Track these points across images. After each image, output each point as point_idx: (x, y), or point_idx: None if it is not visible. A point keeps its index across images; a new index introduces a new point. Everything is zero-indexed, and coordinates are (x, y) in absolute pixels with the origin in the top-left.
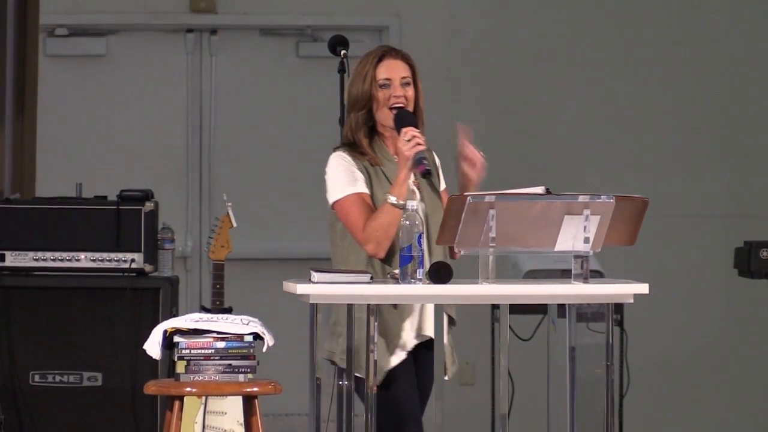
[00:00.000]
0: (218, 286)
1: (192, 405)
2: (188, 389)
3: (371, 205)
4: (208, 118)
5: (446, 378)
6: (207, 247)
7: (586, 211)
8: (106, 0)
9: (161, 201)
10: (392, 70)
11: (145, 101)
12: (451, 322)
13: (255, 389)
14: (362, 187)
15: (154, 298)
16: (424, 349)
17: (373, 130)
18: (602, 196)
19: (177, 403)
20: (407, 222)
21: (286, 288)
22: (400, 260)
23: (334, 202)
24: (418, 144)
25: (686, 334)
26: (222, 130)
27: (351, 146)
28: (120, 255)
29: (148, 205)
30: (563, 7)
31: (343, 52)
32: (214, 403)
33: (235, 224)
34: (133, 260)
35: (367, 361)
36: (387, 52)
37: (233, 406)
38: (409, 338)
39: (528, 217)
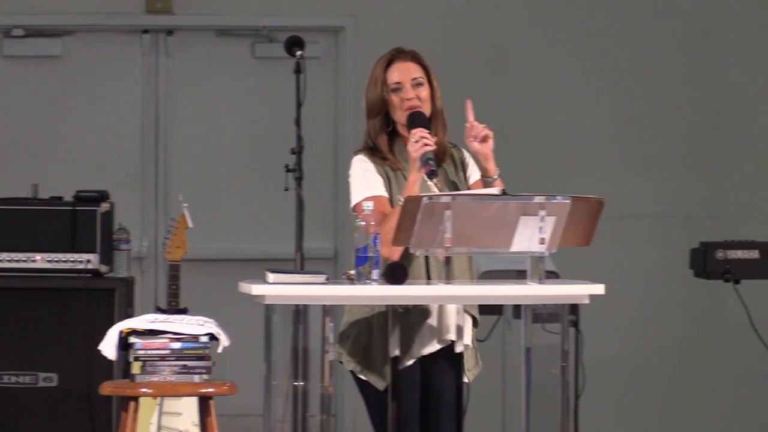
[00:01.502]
0: (174, 287)
1: (147, 406)
2: (143, 390)
3: (388, 208)
4: (164, 118)
5: (465, 381)
6: (163, 247)
7: (542, 212)
8: (62, 1)
9: (117, 202)
10: (402, 72)
11: (101, 102)
12: (475, 323)
13: (210, 390)
14: (380, 191)
15: (109, 299)
16: (444, 353)
17: (393, 133)
18: (558, 197)
19: (132, 404)
20: (363, 223)
21: (241, 289)
22: (356, 261)
23: (354, 206)
24: (426, 145)
25: (642, 334)
26: (178, 131)
27: (372, 150)
28: (75, 256)
29: (104, 206)
30: (519, 8)
31: (299, 53)
32: (170, 403)
33: (191, 225)
34: (88, 261)
35: (322, 362)
36: (396, 55)
37: (189, 406)
38: (426, 343)
39: (483, 218)
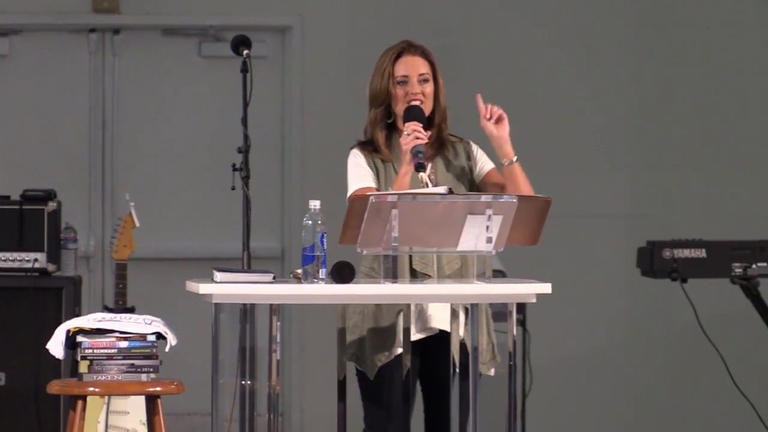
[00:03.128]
0: (121, 286)
1: (95, 404)
2: (91, 389)
3: None
4: (110, 117)
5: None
6: (110, 246)
7: (489, 211)
8: (9, 0)
9: (64, 201)
10: (410, 66)
11: (48, 101)
12: (466, 313)
13: (158, 389)
14: (369, 182)
15: (56, 298)
16: (442, 342)
17: (393, 126)
18: (504, 196)
19: (80, 403)
20: (310, 221)
21: (188, 287)
22: (303, 259)
23: (348, 198)
24: (417, 138)
25: (589, 333)
26: (125, 130)
27: (365, 143)
28: (23, 255)
29: (51, 205)
30: (469, 8)
31: (245, 52)
32: (117, 402)
33: (137, 224)
34: (35, 260)
35: (269, 361)
36: (405, 49)
37: (136, 405)
38: (413, 331)
39: (430, 217)
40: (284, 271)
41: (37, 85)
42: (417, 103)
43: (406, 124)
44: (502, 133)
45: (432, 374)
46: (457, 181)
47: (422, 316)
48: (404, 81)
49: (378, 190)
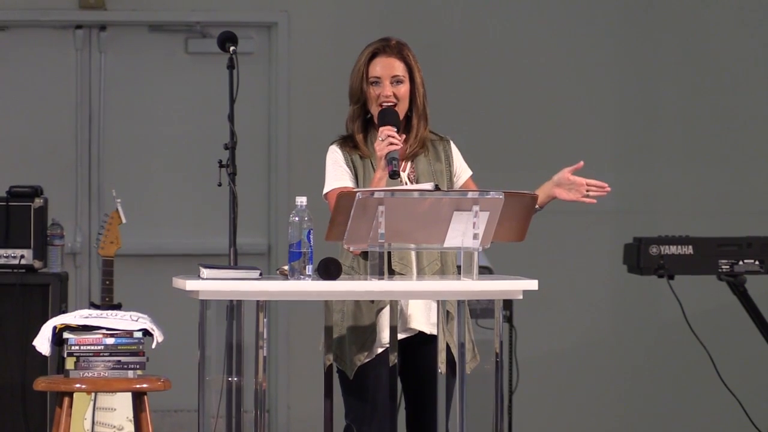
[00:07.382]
0: (107, 283)
1: (81, 401)
2: (77, 385)
3: None
4: (97, 114)
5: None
6: (96, 243)
7: (476, 207)
8: None
9: (50, 197)
10: (384, 68)
11: (34, 97)
12: (448, 316)
13: (144, 385)
14: (346, 181)
15: (43, 295)
16: (421, 343)
17: (370, 123)
18: (491, 192)
19: (66, 400)
20: (296, 218)
21: (175, 284)
22: (290, 256)
23: (324, 194)
24: (392, 144)
25: (576, 330)
26: (111, 127)
27: (345, 139)
28: (9, 251)
29: (38, 202)
30: (453, 6)
31: (232, 48)
32: (104, 399)
33: (124, 220)
34: (22, 256)
35: (256, 357)
36: (380, 49)
37: (123, 402)
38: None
39: (417, 214)
40: (271, 268)
41: (24, 81)
42: (389, 105)
43: (380, 129)
44: (566, 198)
45: (413, 373)
46: (437, 182)
47: (402, 317)
48: (376, 82)
49: (355, 188)
